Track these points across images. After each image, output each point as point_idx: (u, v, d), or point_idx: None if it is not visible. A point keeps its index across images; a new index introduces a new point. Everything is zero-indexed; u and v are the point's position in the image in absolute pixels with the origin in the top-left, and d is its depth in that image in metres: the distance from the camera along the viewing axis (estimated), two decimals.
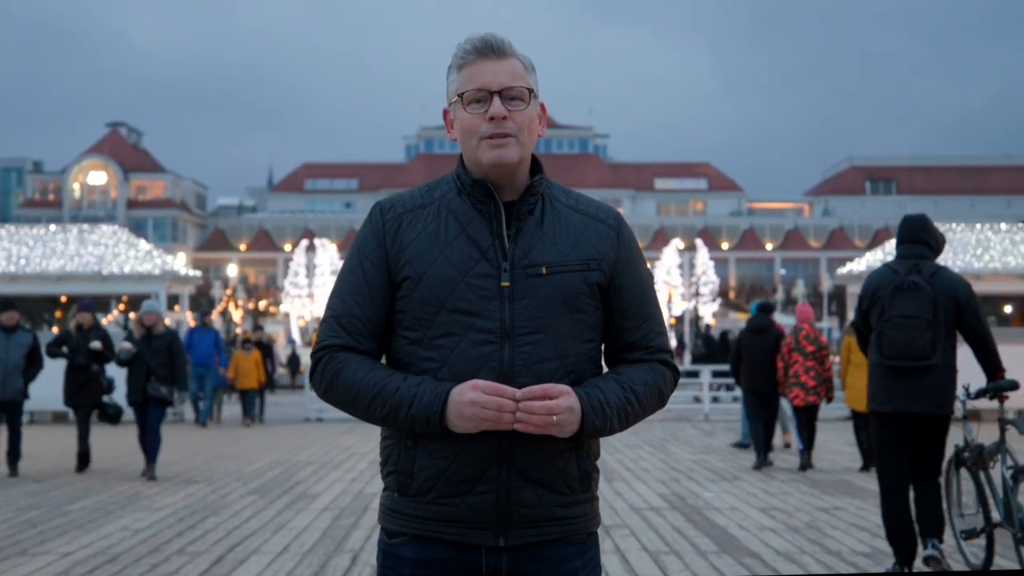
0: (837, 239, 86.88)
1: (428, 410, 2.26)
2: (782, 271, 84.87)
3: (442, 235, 2.36)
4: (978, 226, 22.42)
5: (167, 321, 20.85)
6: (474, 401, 2.21)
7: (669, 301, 53.53)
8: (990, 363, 6.50)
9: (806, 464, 12.28)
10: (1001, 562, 6.96)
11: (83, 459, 12.52)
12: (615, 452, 14.13)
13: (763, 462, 12.54)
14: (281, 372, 33.70)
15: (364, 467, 12.51)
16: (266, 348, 21.65)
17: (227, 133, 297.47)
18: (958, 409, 6.76)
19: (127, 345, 11.85)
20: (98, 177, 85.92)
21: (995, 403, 6.65)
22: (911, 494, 6.55)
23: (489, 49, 2.37)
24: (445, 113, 2.47)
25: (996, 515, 6.54)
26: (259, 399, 20.70)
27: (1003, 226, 22.42)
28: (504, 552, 2.34)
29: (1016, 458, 6.53)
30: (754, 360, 12.79)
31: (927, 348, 6.28)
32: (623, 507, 9.48)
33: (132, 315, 12.69)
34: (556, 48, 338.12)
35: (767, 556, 7.37)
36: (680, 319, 54.24)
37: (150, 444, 11.73)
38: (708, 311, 53.99)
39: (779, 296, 66.43)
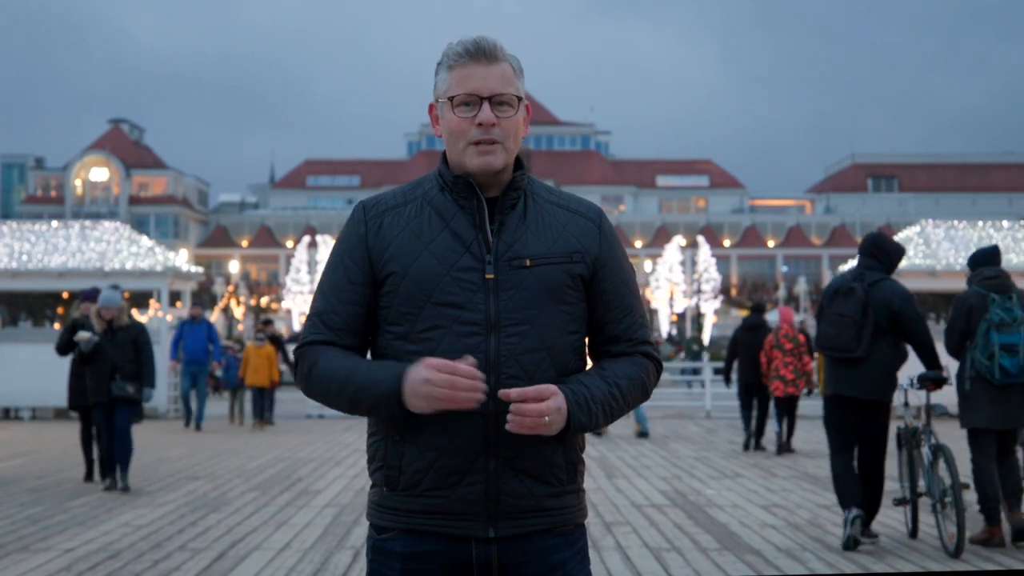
0: (839, 236, 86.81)
1: (386, 390, 2.29)
2: (784, 268, 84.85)
3: (425, 231, 2.40)
4: (979, 223, 22.40)
5: (168, 317, 20.54)
6: (427, 380, 2.23)
7: (671, 298, 53.55)
8: (928, 360, 7.55)
9: (784, 448, 13.78)
10: (1007, 561, 6.97)
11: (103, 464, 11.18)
12: (616, 449, 14.14)
13: (751, 444, 14.21)
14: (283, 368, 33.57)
15: (365, 464, 12.48)
16: (277, 342, 19.74)
17: (229, 130, 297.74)
18: (900, 397, 7.89)
19: (86, 335, 10.48)
20: (100, 173, 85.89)
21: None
22: (855, 461, 7.64)
23: (481, 53, 2.39)
24: (431, 108, 2.49)
25: (923, 486, 7.61)
26: (269, 398, 18.68)
27: (1004, 223, 22.39)
28: (494, 543, 2.36)
29: (938, 438, 7.55)
30: (748, 355, 14.28)
31: (851, 342, 7.36)
32: (625, 504, 9.48)
33: (89, 306, 11.13)
34: (559, 43, 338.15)
35: (768, 553, 7.37)
36: (682, 316, 54.29)
37: (119, 450, 10.44)
38: (710, 308, 53.98)
39: (781, 293, 66.39)
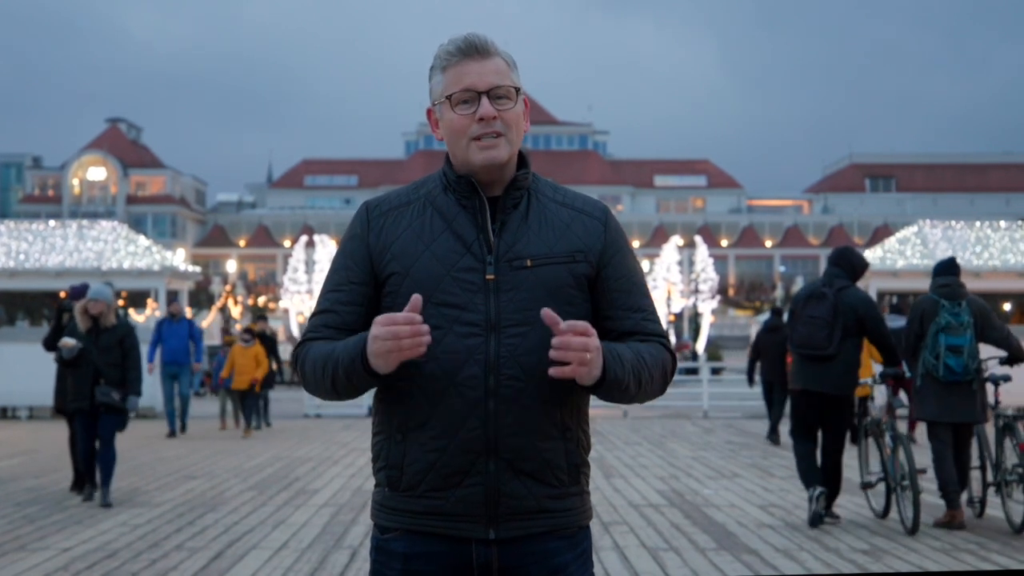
0: (836, 236, 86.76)
1: (352, 357, 2.28)
2: (781, 268, 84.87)
3: (427, 231, 2.39)
4: (977, 224, 22.41)
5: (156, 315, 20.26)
6: (374, 336, 2.23)
7: (668, 298, 53.48)
8: (889, 359, 8.46)
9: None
10: (1003, 561, 6.97)
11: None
12: (614, 449, 14.14)
13: (774, 440, 15.00)
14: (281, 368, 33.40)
15: (363, 463, 12.51)
16: (269, 342, 18.70)
17: (227, 129, 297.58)
18: (872, 393, 9.31)
19: (70, 341, 9.64)
20: (97, 173, 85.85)
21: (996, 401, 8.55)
22: (818, 452, 8.53)
23: (473, 49, 2.39)
24: (429, 113, 2.48)
25: (889, 471, 8.46)
26: (263, 400, 17.87)
27: (1002, 224, 22.39)
28: (495, 545, 2.36)
29: (896, 429, 8.52)
30: (768, 355, 15.29)
31: (824, 341, 8.20)
32: (622, 504, 9.49)
33: (76, 304, 10.03)
34: (558, 42, 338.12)
35: (766, 553, 7.38)
36: (679, 316, 54.29)
37: (103, 462, 9.66)
38: (707, 308, 53.90)
39: (778, 294, 66.40)
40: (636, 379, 2.34)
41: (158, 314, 20.44)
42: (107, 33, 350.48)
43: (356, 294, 2.42)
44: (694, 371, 24.73)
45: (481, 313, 2.33)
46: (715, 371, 28.63)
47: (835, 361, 8.23)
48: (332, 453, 13.80)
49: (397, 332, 2.21)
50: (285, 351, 40.42)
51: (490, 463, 2.32)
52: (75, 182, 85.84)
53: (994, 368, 8.65)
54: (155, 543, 7.76)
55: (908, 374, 8.56)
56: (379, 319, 2.24)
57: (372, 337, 2.24)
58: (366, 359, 2.26)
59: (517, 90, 2.41)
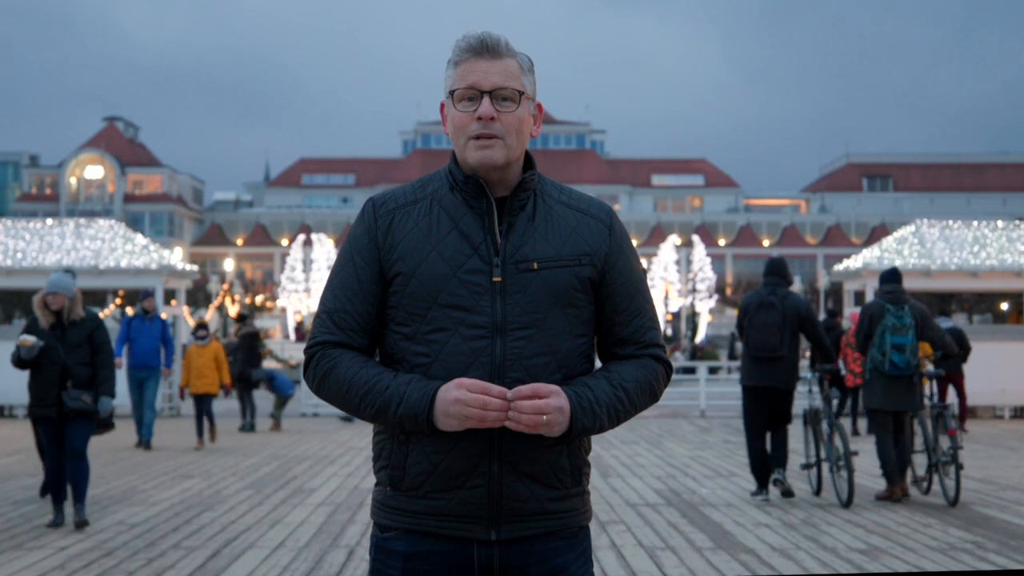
0: (834, 236, 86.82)
1: (416, 408, 2.27)
2: None
3: (434, 231, 2.38)
4: (975, 223, 22.37)
5: (163, 315, 20.05)
6: (458, 399, 2.23)
7: (666, 297, 53.55)
8: (824, 356, 9.86)
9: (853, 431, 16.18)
10: (1001, 561, 6.98)
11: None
12: (611, 448, 14.14)
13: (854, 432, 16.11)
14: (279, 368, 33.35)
15: (360, 462, 12.51)
16: (251, 341, 17.79)
17: (224, 127, 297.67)
18: (805, 383, 10.57)
19: (29, 339, 8.35)
20: (95, 171, 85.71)
21: (998, 402, 9.93)
22: (767, 441, 9.70)
23: (484, 48, 2.39)
24: (442, 107, 2.48)
25: (823, 454, 9.82)
26: (250, 405, 17.18)
27: (999, 223, 22.35)
28: (496, 546, 2.36)
29: (834, 417, 9.82)
30: None
31: (777, 344, 9.52)
32: (619, 503, 9.49)
33: (36, 298, 8.66)
34: (557, 39, 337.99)
35: (763, 552, 7.38)
36: (677, 315, 54.33)
37: (76, 474, 8.49)
38: (705, 308, 54.01)
39: None
40: (612, 417, 2.37)
41: (164, 315, 19.23)
42: (104, 29, 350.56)
43: (365, 292, 2.41)
44: (691, 370, 24.72)
45: (487, 315, 2.33)
46: (712, 371, 28.66)
47: (783, 360, 9.55)
48: (329, 452, 13.80)
49: (487, 403, 2.22)
50: (284, 351, 40.50)
51: (493, 465, 2.32)
52: (72, 180, 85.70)
53: (930, 366, 10.05)
54: (152, 542, 7.76)
55: (843, 371, 10.11)
56: (466, 383, 2.24)
57: (454, 399, 2.23)
58: (431, 417, 2.26)
59: (522, 94, 2.40)
